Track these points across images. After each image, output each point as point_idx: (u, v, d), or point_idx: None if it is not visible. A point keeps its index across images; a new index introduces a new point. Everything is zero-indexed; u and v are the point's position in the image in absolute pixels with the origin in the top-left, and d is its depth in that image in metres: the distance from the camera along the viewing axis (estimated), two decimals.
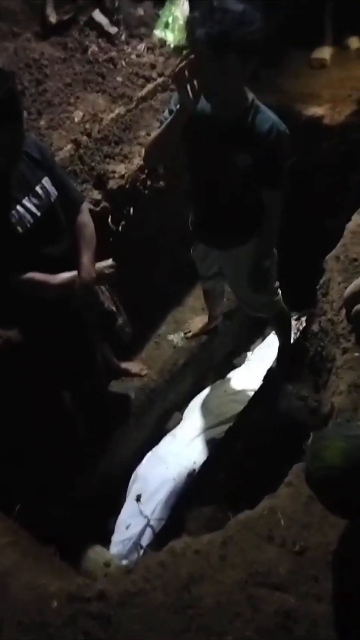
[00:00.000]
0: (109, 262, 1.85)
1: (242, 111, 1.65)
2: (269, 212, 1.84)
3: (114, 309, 2.12)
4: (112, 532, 2.36)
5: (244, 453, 2.05)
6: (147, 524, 2.29)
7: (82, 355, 2.08)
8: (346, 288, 1.57)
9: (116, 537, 2.31)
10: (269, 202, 1.81)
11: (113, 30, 2.73)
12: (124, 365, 2.52)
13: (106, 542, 2.31)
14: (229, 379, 2.83)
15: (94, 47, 2.69)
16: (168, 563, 1.15)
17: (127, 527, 2.32)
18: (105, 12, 2.79)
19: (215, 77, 1.52)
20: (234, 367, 2.98)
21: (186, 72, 1.53)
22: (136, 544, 2.24)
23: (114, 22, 2.79)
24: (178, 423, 2.69)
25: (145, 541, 2.24)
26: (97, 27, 2.75)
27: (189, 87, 1.55)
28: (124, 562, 2.16)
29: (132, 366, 2.55)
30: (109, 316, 2.11)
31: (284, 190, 1.79)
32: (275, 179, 1.75)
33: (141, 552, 2.18)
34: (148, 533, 2.27)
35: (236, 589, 1.09)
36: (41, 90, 2.43)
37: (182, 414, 2.74)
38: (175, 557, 1.16)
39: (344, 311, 1.57)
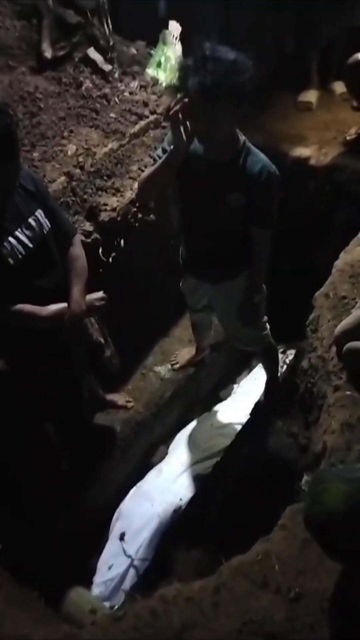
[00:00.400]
0: (100, 294, 1.85)
1: (234, 153, 1.69)
2: (258, 249, 1.87)
3: (102, 340, 2.11)
4: (94, 571, 2.27)
5: (232, 491, 2.02)
6: (131, 564, 2.21)
7: (67, 387, 2.05)
8: (336, 326, 1.59)
9: (98, 578, 2.23)
10: (259, 239, 1.85)
11: (107, 67, 2.80)
12: (110, 397, 2.48)
13: (88, 581, 2.22)
14: (216, 412, 2.81)
15: (88, 83, 2.74)
16: (159, 611, 1.11)
17: (109, 568, 2.24)
18: (99, 49, 2.87)
19: (207, 122, 1.57)
20: (220, 399, 2.97)
21: (180, 115, 1.57)
22: (119, 585, 2.16)
23: (108, 60, 2.86)
24: (164, 457, 2.65)
25: (128, 583, 2.16)
26: (92, 63, 2.81)
27: (182, 128, 1.59)
28: (107, 603, 2.08)
29: (118, 398, 2.52)
30: (97, 348, 2.09)
31: (274, 229, 1.83)
32: (266, 218, 1.79)
33: (124, 594, 2.09)
34: (131, 574, 2.19)
35: (230, 638, 1.05)
36: (35, 123, 2.46)
37: (167, 447, 2.70)
38: (166, 605, 1.12)
39: (334, 349, 1.58)
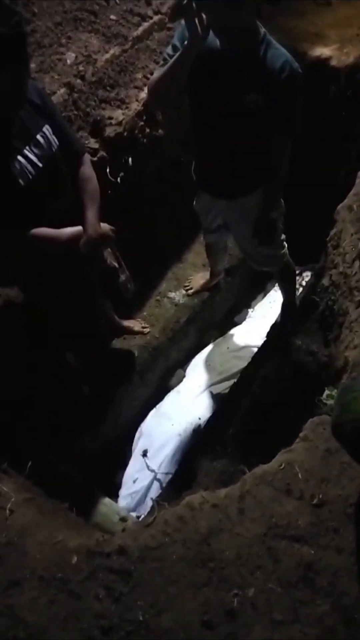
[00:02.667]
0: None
1: (253, 46, 1.53)
2: (278, 159, 1.75)
3: (116, 265, 2.06)
4: (119, 487, 2.39)
5: (252, 408, 2.05)
6: (155, 478, 2.31)
7: (84, 313, 2.03)
8: None
9: (124, 491, 2.34)
10: (279, 148, 1.72)
11: None
12: (126, 323, 2.47)
13: (114, 496, 2.34)
14: (231, 336, 2.81)
15: None
16: (186, 517, 1.15)
17: (134, 481, 2.35)
18: None
19: (226, 11, 1.40)
20: (235, 324, 2.95)
21: (194, 5, 1.40)
22: (144, 497, 2.28)
23: None
24: (181, 380, 2.69)
25: (153, 494, 2.27)
26: None
27: (197, 20, 1.42)
28: (133, 514, 2.20)
29: (134, 324, 2.51)
30: (112, 273, 2.04)
31: (295, 136, 1.69)
32: (289, 121, 1.64)
33: (150, 504, 2.21)
34: (156, 486, 2.30)
35: (256, 542, 1.10)
36: (29, 31, 2.25)
37: (185, 371, 2.73)
38: (193, 511, 1.16)
39: (357, 264, 1.52)
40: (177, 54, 1.51)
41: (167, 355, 2.64)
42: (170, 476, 2.28)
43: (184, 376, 2.70)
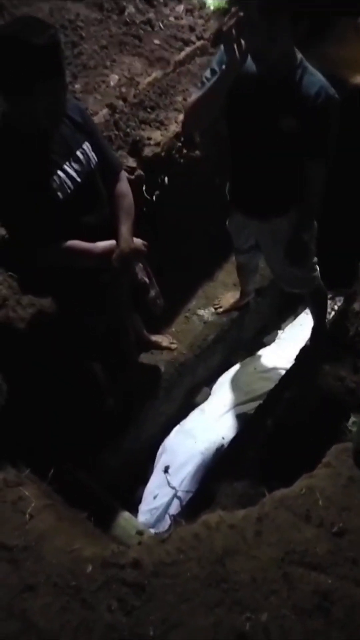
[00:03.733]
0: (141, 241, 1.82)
1: (289, 71, 1.56)
2: (311, 183, 1.76)
3: (146, 280, 2.09)
4: (139, 501, 2.39)
5: (276, 430, 2.02)
6: (175, 495, 2.30)
7: (113, 325, 2.07)
8: None
9: (144, 507, 2.34)
10: (313, 171, 1.73)
11: None
12: (154, 338, 2.50)
13: (133, 511, 2.34)
14: (260, 357, 2.79)
15: (130, 8, 2.59)
16: (203, 536, 1.14)
17: (154, 497, 2.34)
18: None
19: (264, 37, 1.43)
20: (263, 345, 2.94)
21: (234, 31, 1.44)
22: (164, 514, 2.27)
23: None
24: (207, 398, 2.68)
25: (172, 511, 2.26)
26: None
27: (235, 45, 1.46)
28: (152, 530, 2.19)
29: (162, 339, 2.53)
30: (142, 288, 2.08)
31: (329, 160, 1.70)
32: (321, 147, 1.66)
33: (169, 521, 2.20)
34: (175, 504, 2.29)
35: (272, 566, 1.08)
36: (76, 53, 2.37)
37: (210, 389, 2.73)
38: (209, 530, 1.15)
39: None
40: (215, 77, 1.56)
41: (194, 372, 2.65)
42: (190, 494, 2.26)
43: (209, 394, 2.69)
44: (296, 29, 1.46)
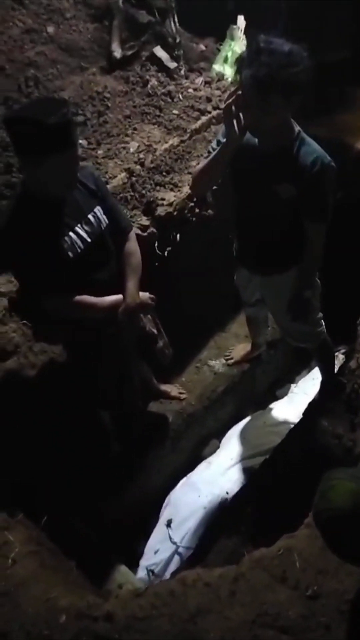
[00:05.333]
0: (148, 294, 1.91)
1: (287, 143, 1.67)
2: (311, 243, 1.83)
3: (154, 331, 2.17)
4: (141, 554, 2.36)
5: (274, 487, 1.99)
6: (176, 551, 2.26)
7: (120, 374, 2.13)
8: None
9: (144, 561, 2.31)
10: (312, 233, 1.80)
11: (172, 65, 2.86)
12: (164, 387, 2.54)
13: (134, 564, 2.31)
14: (270, 410, 2.77)
15: (153, 81, 2.82)
16: (177, 592, 1.14)
17: (155, 552, 2.31)
18: (166, 47, 2.94)
19: (260, 114, 1.56)
20: (276, 398, 2.92)
21: (233, 107, 1.58)
22: (164, 570, 2.23)
23: (174, 57, 2.92)
24: (215, 450, 2.67)
25: (172, 568, 2.22)
26: (158, 61, 2.89)
27: (235, 121, 1.60)
28: None
29: (172, 389, 2.57)
30: (150, 338, 2.15)
31: (328, 223, 1.78)
32: (318, 212, 1.74)
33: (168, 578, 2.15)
34: (176, 560, 2.25)
35: (243, 627, 1.06)
36: (102, 122, 2.58)
37: (219, 441, 2.71)
38: (185, 587, 1.15)
39: None
40: (218, 149, 1.69)
41: (202, 424, 2.65)
42: (191, 551, 2.22)
43: (218, 446, 2.68)
44: (290, 103, 1.58)
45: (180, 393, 2.58)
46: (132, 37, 2.93)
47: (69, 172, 1.59)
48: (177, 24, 2.92)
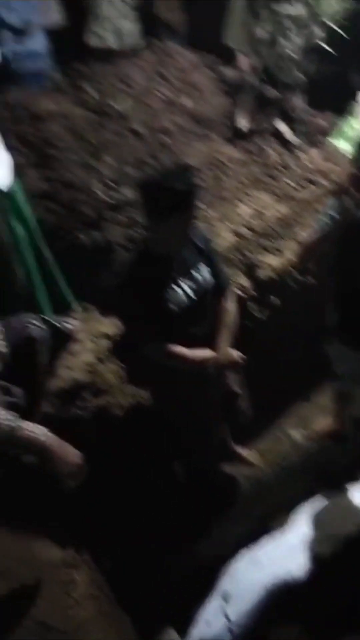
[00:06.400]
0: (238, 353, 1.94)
1: None
2: None
3: (238, 391, 2.18)
4: (192, 620, 2.26)
5: (345, 582, 1.84)
6: (228, 628, 2.14)
7: (201, 428, 2.14)
8: None
9: (195, 631, 2.20)
10: None
11: (292, 138, 2.99)
12: (239, 449, 2.50)
13: (183, 631, 2.21)
14: (350, 493, 2.59)
15: (272, 152, 2.96)
16: None
17: (207, 624, 2.19)
18: (288, 121, 3.09)
19: None
20: (358, 481, 2.73)
21: (349, 186, 1.62)
22: None
23: (294, 131, 3.05)
24: (283, 525, 2.53)
25: None
26: (279, 135, 3.04)
27: (351, 198, 1.63)
28: None
29: (247, 453, 2.52)
30: (233, 397, 2.16)
31: None
32: None
33: None
34: (227, 637, 2.12)
35: None
36: (218, 187, 2.75)
37: (289, 516, 2.57)
38: None
39: None
40: (330, 224, 1.73)
41: (273, 494, 2.54)
42: (243, 630, 2.08)
43: (286, 522, 2.53)
44: None
45: (254, 458, 2.52)
46: (257, 111, 3.12)
47: (185, 231, 1.73)
48: (302, 100, 3.06)
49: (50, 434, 1.47)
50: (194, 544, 2.30)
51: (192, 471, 2.31)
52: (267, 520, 2.54)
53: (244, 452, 2.51)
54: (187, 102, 3.09)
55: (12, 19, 4.11)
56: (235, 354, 1.93)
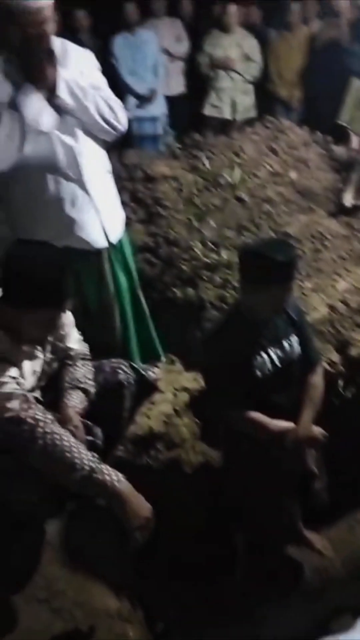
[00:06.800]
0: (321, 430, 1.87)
1: None
2: None
3: (315, 470, 2.07)
4: None
5: None
6: None
7: (271, 502, 2.05)
8: None
9: None
10: None
11: None
12: (308, 534, 2.34)
13: None
14: None
15: None
16: None
17: None
18: None
19: None
20: None
21: None
22: None
23: None
24: (348, 629, 2.28)
25: None
26: None
27: None
28: None
29: (317, 540, 2.35)
30: (309, 476, 2.06)
31: None
32: None
33: None
34: None
35: None
36: (316, 258, 2.76)
37: (356, 621, 2.32)
38: None
39: None
40: None
41: (341, 592, 2.32)
42: None
43: (351, 626, 2.29)
44: None
45: (325, 547, 2.34)
46: None
47: (281, 301, 1.75)
48: None
49: (126, 482, 1.49)
50: (244, 624, 2.15)
51: (255, 548, 2.19)
52: (329, 620, 2.32)
53: (313, 538, 2.34)
54: (294, 175, 3.19)
55: (138, 86, 4.62)
56: (317, 430, 1.86)
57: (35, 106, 1.79)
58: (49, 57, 1.78)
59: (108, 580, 1.61)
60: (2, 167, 1.83)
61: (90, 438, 1.76)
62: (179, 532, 2.01)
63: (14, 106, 1.77)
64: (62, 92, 1.82)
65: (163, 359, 2.48)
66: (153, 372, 2.46)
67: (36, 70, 1.77)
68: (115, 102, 1.97)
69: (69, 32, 4.03)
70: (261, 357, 1.78)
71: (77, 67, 1.88)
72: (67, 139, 1.90)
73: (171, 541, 1.93)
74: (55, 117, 1.85)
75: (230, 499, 2.08)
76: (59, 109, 1.85)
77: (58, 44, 1.86)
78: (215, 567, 2.04)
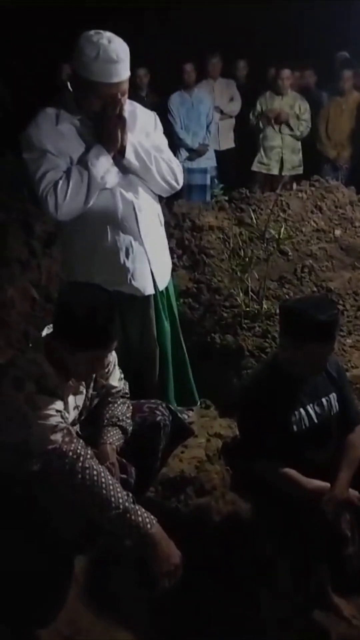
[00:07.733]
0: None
1: None
2: None
3: (348, 534, 2.01)
4: None
5: None
6: None
7: (297, 564, 1.99)
8: None
9: None
10: None
11: None
12: (338, 601, 2.23)
13: None
14: None
15: None
16: None
17: None
18: None
19: None
20: None
21: None
22: None
23: None
24: None
25: None
26: None
27: None
28: None
29: (345, 607, 2.23)
30: (342, 540, 1.99)
31: None
32: None
33: None
34: None
35: None
36: (358, 315, 2.76)
37: None
38: None
39: None
40: None
41: None
42: None
43: None
44: None
45: (354, 617, 2.22)
46: None
47: (322, 360, 1.76)
48: None
49: (158, 526, 1.50)
50: None
51: (280, 609, 2.11)
52: None
53: (342, 605, 2.23)
54: (338, 233, 3.25)
55: (189, 140, 4.86)
56: (353, 493, 1.82)
57: (104, 166, 1.94)
58: (122, 123, 1.94)
59: (133, 624, 1.58)
60: (67, 218, 1.98)
61: (124, 476, 1.78)
62: (202, 582, 1.96)
63: (84, 164, 1.93)
64: (129, 154, 1.97)
65: (199, 403, 2.50)
66: (188, 416, 2.48)
67: (109, 135, 1.92)
68: (176, 163, 2.11)
69: (130, 87, 4.34)
70: (299, 412, 1.78)
71: (142, 129, 2.04)
72: (129, 195, 2.04)
73: (192, 591, 1.89)
74: (120, 175, 1.99)
75: (258, 556, 2.04)
76: (125, 169, 1.99)
77: (127, 106, 2.03)
78: (239, 625, 1.97)
